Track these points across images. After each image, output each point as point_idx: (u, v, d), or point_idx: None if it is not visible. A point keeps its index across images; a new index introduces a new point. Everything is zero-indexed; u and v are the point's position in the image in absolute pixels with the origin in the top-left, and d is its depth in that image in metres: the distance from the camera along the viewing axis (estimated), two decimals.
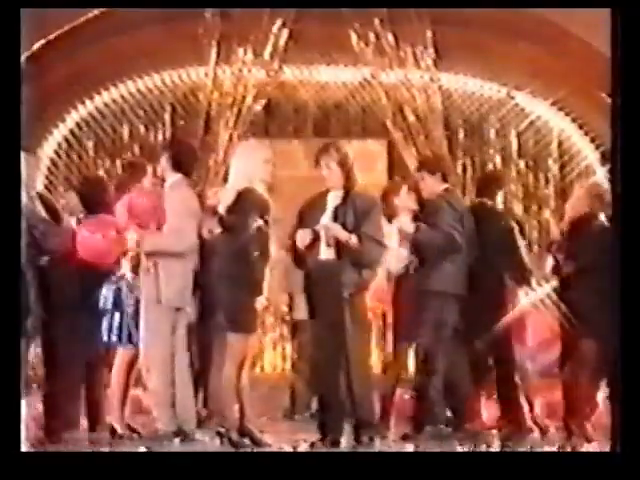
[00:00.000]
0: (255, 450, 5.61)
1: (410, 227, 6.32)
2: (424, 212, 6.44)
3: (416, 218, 6.42)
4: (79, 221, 6.22)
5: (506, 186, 7.45)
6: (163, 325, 5.91)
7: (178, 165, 6.05)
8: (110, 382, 6.28)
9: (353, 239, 5.71)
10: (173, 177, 6.05)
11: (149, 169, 6.36)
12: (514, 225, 6.68)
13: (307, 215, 5.88)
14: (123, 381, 6.18)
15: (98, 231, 5.90)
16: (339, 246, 5.73)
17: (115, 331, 6.16)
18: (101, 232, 5.89)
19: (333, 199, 5.84)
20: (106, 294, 6.15)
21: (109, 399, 6.27)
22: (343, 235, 5.71)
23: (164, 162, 6.07)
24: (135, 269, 6.07)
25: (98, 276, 6.18)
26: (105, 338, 6.27)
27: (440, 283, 6.22)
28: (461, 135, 9.65)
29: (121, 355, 6.20)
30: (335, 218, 5.77)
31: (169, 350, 5.92)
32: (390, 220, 6.40)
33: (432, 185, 6.48)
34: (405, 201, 6.53)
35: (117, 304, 6.16)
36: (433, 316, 6.20)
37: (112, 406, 6.23)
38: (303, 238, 5.73)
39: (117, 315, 6.15)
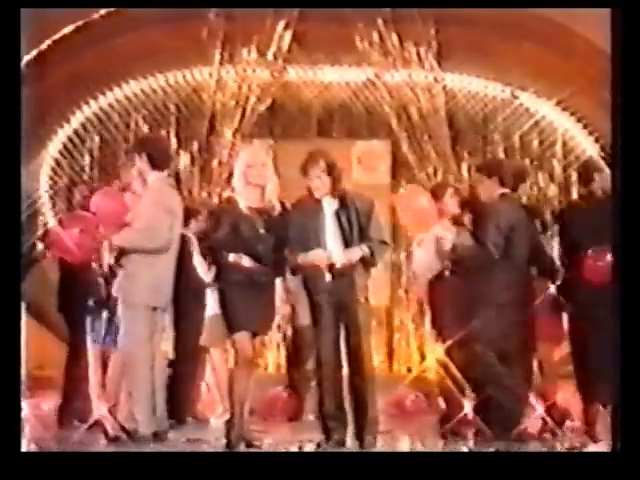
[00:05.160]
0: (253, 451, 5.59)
1: (451, 233, 6.31)
2: (476, 216, 6.43)
3: (457, 223, 6.44)
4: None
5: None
6: (139, 325, 5.84)
7: (155, 163, 6.05)
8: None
9: (366, 251, 5.72)
10: (153, 175, 6.06)
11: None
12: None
13: (302, 224, 5.72)
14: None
15: (75, 226, 6.00)
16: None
17: (104, 332, 6.21)
18: (78, 227, 5.98)
19: (329, 204, 5.76)
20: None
21: (106, 400, 6.27)
22: (359, 255, 5.71)
23: (142, 163, 6.06)
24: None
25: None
26: (95, 339, 6.34)
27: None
28: (465, 135, 9.64)
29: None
30: (338, 222, 5.75)
31: (146, 351, 5.83)
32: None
33: (489, 189, 6.40)
34: (448, 205, 6.53)
35: (104, 304, 6.21)
36: None
37: (106, 407, 6.23)
38: (326, 265, 5.67)
39: (104, 316, 6.20)
